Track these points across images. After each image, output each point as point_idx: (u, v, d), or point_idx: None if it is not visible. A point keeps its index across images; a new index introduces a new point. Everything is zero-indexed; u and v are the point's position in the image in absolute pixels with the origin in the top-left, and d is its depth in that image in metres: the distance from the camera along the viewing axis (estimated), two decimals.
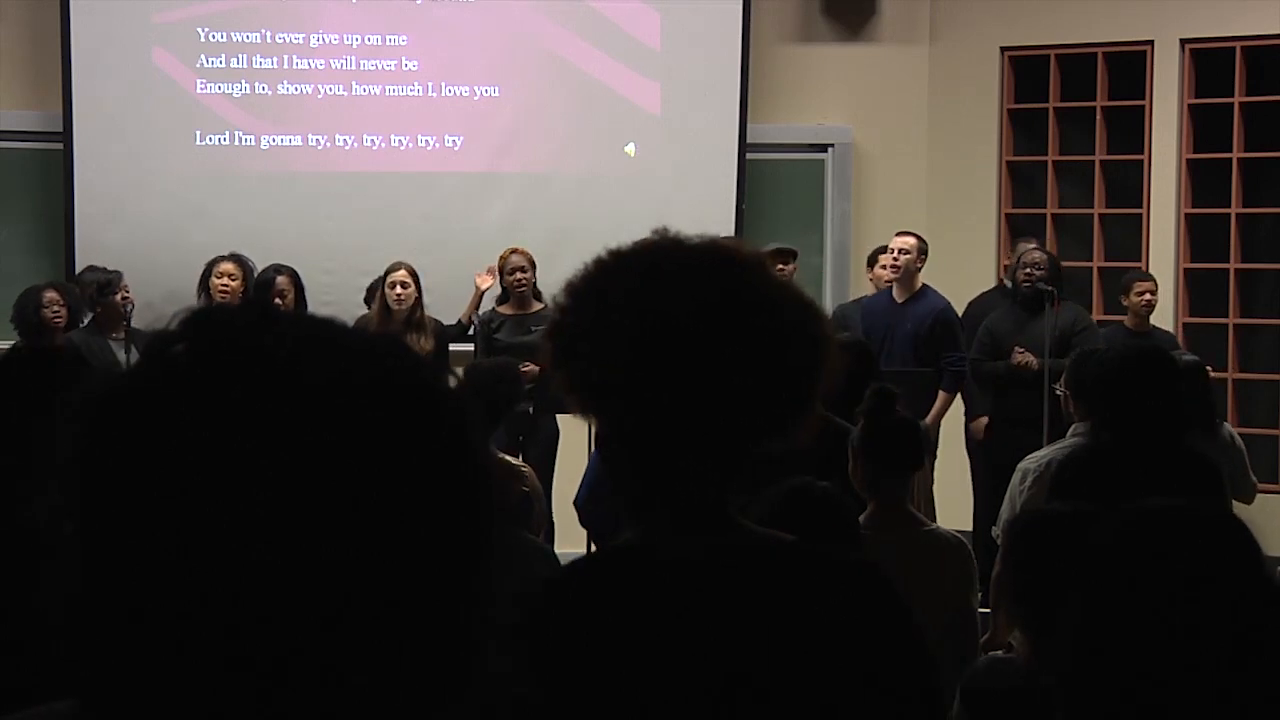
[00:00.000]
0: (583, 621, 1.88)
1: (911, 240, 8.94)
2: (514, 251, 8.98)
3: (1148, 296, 8.85)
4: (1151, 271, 9.82)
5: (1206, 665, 1.87)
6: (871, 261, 9.64)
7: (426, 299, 8.95)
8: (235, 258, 8.95)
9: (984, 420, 8.81)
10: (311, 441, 1.01)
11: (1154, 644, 1.87)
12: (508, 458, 5.82)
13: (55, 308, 8.56)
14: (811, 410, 1.95)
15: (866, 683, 1.89)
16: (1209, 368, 7.65)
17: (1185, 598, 1.89)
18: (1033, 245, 9.23)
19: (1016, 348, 8.52)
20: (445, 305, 9.19)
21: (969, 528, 8.28)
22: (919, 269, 8.92)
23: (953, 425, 9.04)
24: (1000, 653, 3.58)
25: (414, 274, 8.84)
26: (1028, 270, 8.67)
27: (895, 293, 8.90)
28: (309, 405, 1.01)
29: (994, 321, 8.80)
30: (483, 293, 9.15)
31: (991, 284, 9.92)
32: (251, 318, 1.06)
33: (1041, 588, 2.98)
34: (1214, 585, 1.91)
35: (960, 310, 9.19)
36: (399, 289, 8.79)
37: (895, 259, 8.90)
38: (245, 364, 1.02)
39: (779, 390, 1.90)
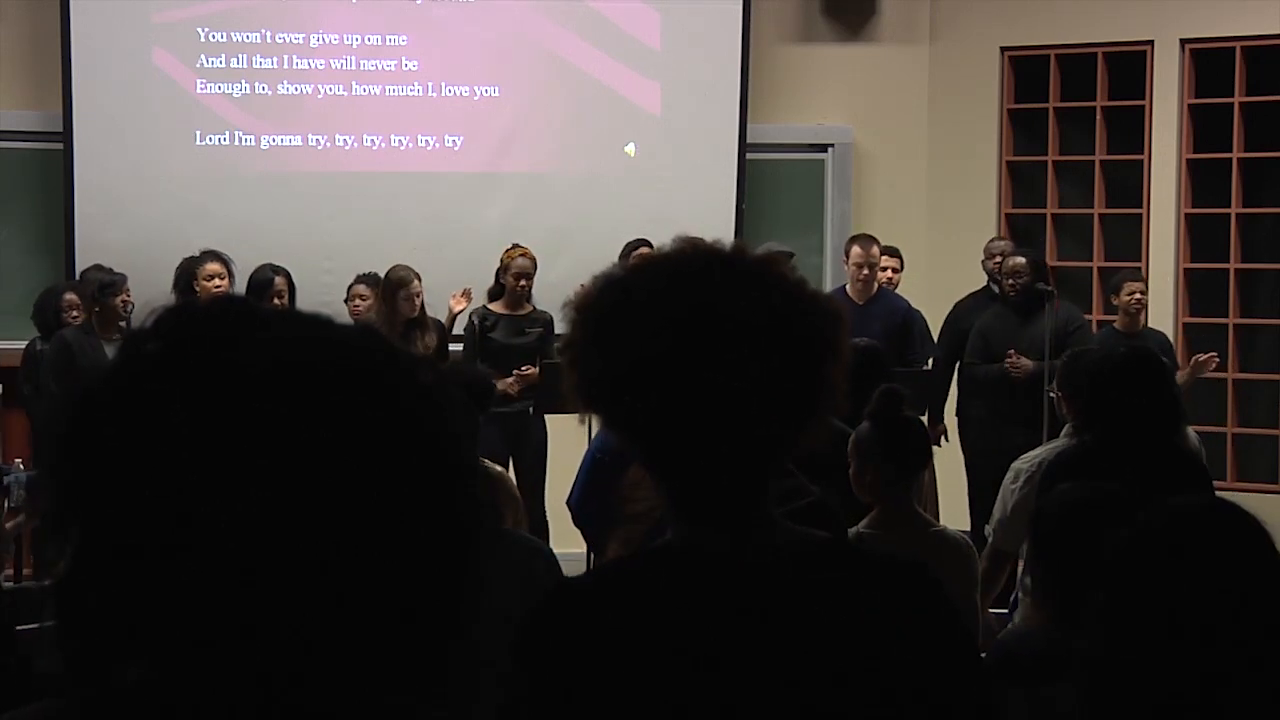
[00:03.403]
0: (626, 623, 1.85)
1: (896, 261, 9.11)
2: (521, 255, 8.88)
3: (1137, 296, 8.84)
4: (1151, 271, 9.83)
5: (1225, 653, 1.97)
6: (847, 252, 9.59)
7: (425, 299, 8.93)
8: (217, 255, 8.80)
9: (941, 427, 8.96)
10: (286, 437, 1.01)
11: (1177, 632, 1.98)
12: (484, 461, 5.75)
13: (74, 312, 8.65)
14: (829, 413, 1.96)
15: (919, 687, 1.86)
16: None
17: (1206, 590, 2.00)
18: (1005, 243, 9.27)
19: (1010, 352, 8.58)
20: (444, 305, 9.18)
21: (967, 527, 8.28)
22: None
23: None
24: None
25: (419, 278, 8.83)
26: (1011, 280, 8.79)
27: (854, 295, 8.94)
28: (283, 401, 1.02)
29: (986, 325, 8.87)
30: (455, 315, 9.04)
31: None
32: (227, 315, 1.06)
33: (1068, 567, 3.20)
34: (1232, 578, 2.01)
35: (945, 311, 9.27)
36: (417, 299, 8.77)
37: (889, 277, 9.11)
38: (219, 361, 1.02)
39: (808, 390, 1.91)
